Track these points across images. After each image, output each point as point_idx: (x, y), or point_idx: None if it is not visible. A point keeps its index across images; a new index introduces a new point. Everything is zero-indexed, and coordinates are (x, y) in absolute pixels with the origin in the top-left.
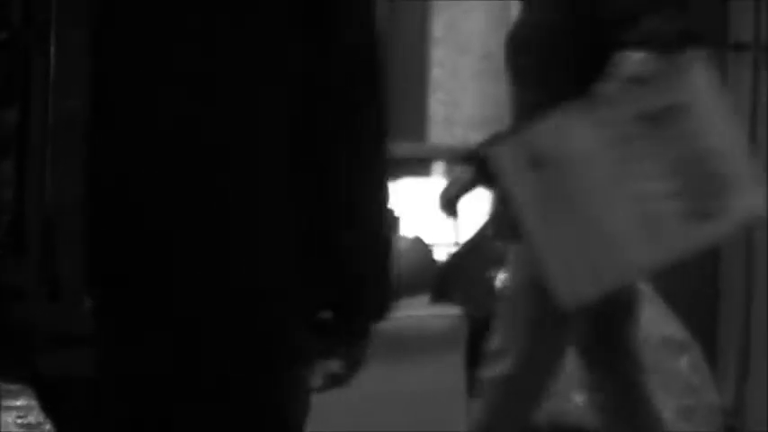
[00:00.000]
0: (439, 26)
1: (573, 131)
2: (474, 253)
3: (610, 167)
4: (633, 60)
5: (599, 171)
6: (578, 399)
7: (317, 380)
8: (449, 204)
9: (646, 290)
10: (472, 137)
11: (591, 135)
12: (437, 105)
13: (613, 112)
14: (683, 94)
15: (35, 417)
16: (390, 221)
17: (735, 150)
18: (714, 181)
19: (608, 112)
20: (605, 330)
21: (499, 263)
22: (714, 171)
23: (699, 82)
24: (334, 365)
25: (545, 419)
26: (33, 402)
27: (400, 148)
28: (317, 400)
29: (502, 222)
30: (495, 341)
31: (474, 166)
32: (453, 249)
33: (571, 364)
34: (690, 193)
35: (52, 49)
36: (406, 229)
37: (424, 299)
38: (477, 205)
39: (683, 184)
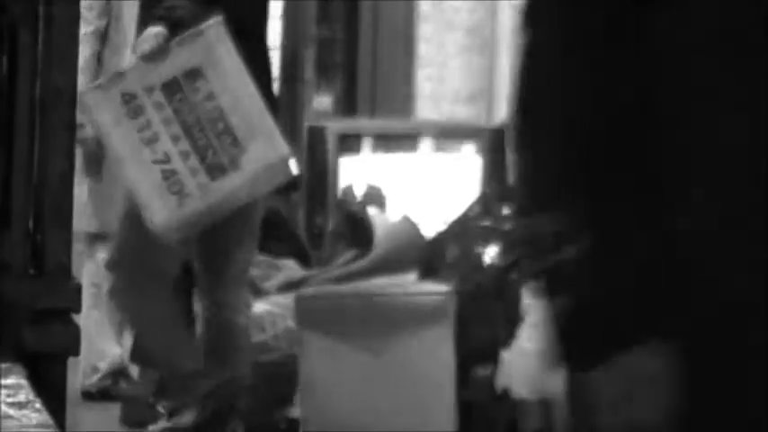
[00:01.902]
0: (426, 4)
1: (102, 105)
2: (462, 229)
3: (131, 136)
4: (146, 36)
5: (125, 141)
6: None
7: None
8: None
9: None
10: (458, 112)
11: (112, 109)
12: (424, 81)
13: (126, 86)
14: (196, 59)
15: (25, 395)
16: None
17: (249, 107)
18: (227, 137)
19: (120, 86)
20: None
21: (487, 239)
22: (227, 128)
23: (212, 46)
24: None
25: (532, 393)
26: (23, 381)
27: (387, 124)
28: (307, 376)
29: (490, 200)
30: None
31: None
32: (441, 226)
33: None
34: (204, 151)
35: (40, 25)
36: (394, 205)
37: (412, 275)
38: (465, 183)
39: (198, 144)
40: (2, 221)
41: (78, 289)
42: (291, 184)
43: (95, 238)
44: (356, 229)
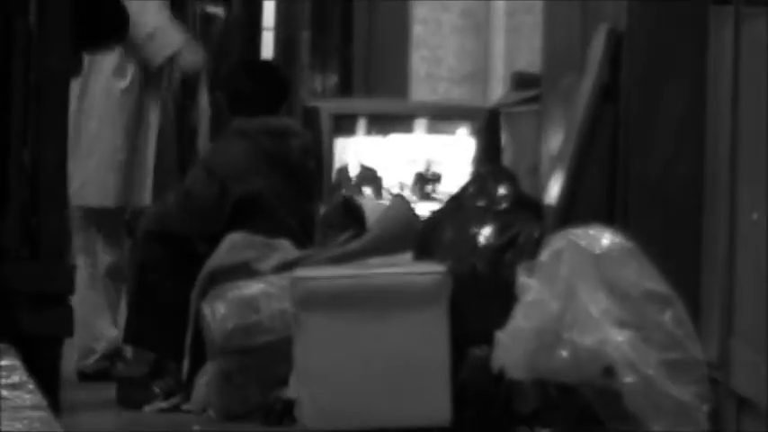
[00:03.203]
0: None
1: None
2: (456, 210)
3: None
4: None
5: None
6: (562, 353)
7: None
8: None
9: (628, 244)
10: (454, 93)
11: None
12: (419, 62)
13: None
14: None
15: (19, 376)
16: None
17: None
18: None
19: None
20: None
21: (481, 219)
22: None
23: None
24: None
25: (527, 373)
26: (17, 362)
27: (382, 104)
28: (302, 357)
29: (485, 179)
30: None
31: None
32: (436, 206)
33: (556, 320)
34: None
35: (33, 11)
36: (389, 185)
37: (407, 255)
38: (460, 164)
39: None
40: None
41: (72, 272)
42: (295, 166)
43: (95, 215)
44: (350, 214)
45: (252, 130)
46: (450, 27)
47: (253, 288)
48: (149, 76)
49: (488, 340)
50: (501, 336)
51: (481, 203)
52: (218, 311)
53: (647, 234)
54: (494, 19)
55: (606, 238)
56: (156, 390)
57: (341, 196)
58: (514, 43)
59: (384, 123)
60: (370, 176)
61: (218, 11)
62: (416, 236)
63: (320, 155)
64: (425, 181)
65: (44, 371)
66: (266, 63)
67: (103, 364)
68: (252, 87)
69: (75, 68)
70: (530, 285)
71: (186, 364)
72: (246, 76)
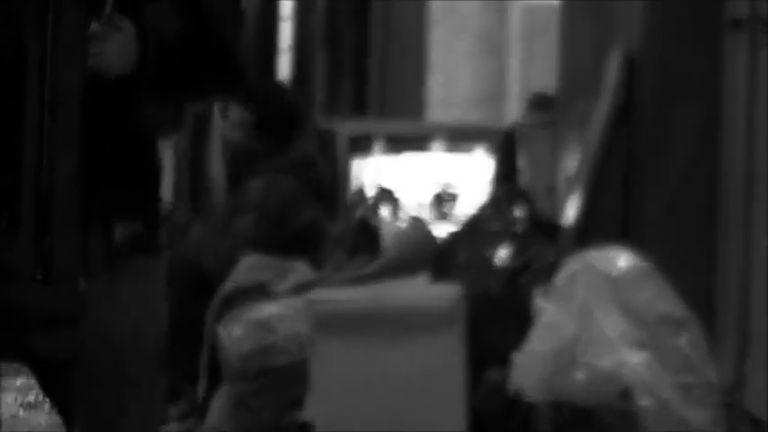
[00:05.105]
0: (437, 8)
1: None
2: (472, 232)
3: None
4: None
5: None
6: (579, 376)
7: None
8: None
9: (644, 266)
10: (469, 116)
11: None
12: (435, 85)
13: None
14: None
15: (35, 396)
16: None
17: None
18: None
19: None
20: None
21: (497, 241)
22: None
23: None
24: None
25: (544, 396)
26: (33, 381)
27: (398, 126)
28: (318, 380)
29: (501, 202)
30: None
31: None
32: (452, 228)
33: (573, 342)
34: None
35: (48, 28)
36: (406, 206)
37: (423, 278)
38: (476, 184)
39: None
40: (9, 226)
41: (86, 294)
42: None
43: None
44: (365, 236)
45: (286, 165)
46: (465, 50)
47: (268, 310)
48: None
49: (504, 363)
50: (517, 358)
51: (497, 226)
52: (233, 333)
53: (661, 256)
54: (509, 41)
55: (622, 260)
56: (171, 413)
57: (357, 217)
58: (530, 65)
59: (400, 145)
60: (386, 197)
61: None
62: (433, 258)
63: (335, 177)
64: (442, 202)
65: (58, 394)
66: (275, 91)
67: None
68: (265, 118)
69: (175, 122)
70: (546, 308)
71: (201, 386)
72: (257, 108)
